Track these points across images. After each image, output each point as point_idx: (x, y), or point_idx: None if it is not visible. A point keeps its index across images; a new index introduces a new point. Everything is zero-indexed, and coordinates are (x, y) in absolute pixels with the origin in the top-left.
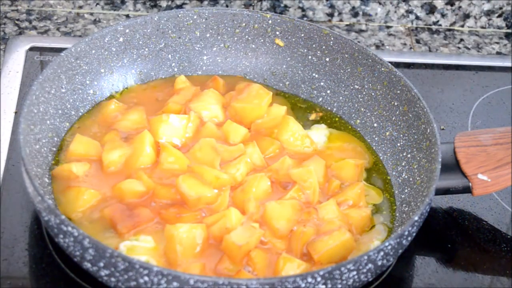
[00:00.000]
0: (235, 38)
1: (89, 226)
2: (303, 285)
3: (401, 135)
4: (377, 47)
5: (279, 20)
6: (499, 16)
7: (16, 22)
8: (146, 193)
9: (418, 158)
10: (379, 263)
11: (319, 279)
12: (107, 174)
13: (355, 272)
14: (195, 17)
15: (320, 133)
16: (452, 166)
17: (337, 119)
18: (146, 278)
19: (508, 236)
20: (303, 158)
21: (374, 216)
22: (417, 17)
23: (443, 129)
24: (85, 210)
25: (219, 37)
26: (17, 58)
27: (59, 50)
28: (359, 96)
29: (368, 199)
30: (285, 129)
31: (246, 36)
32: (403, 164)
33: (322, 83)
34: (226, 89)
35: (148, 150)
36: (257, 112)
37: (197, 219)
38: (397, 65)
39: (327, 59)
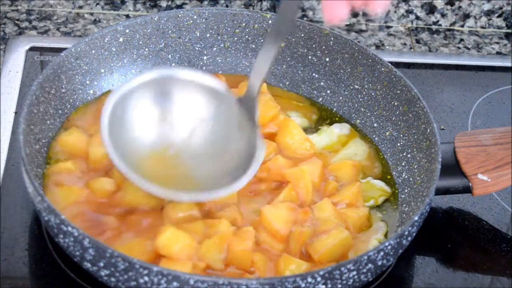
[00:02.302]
0: (235, 38)
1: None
2: (303, 285)
3: (401, 135)
4: (377, 47)
5: None
6: (499, 16)
7: (16, 22)
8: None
9: (418, 158)
10: (379, 263)
11: (319, 279)
12: (95, 170)
13: (355, 272)
14: (195, 17)
15: (326, 135)
16: (452, 166)
17: (337, 119)
18: (146, 278)
19: (508, 236)
20: (301, 160)
21: (373, 215)
22: (417, 17)
23: (443, 129)
24: (73, 208)
25: (219, 37)
26: (17, 58)
27: (59, 50)
28: (359, 96)
29: (372, 194)
30: (285, 132)
31: (246, 36)
32: (403, 164)
33: (322, 83)
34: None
35: None
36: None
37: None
38: (397, 65)
39: (327, 59)
